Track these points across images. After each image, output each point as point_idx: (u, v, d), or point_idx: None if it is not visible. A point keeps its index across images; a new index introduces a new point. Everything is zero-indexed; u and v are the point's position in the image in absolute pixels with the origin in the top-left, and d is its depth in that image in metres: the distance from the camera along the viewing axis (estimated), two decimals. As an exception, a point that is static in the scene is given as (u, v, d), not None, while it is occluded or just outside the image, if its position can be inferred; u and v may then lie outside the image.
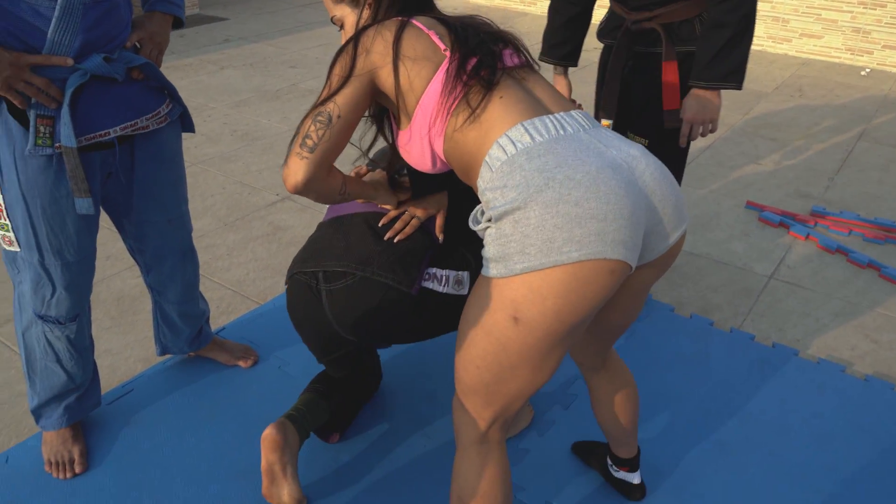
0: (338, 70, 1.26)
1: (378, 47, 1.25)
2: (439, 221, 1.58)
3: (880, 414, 1.95)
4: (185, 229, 1.77)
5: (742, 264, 2.69)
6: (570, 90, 2.17)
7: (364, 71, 1.25)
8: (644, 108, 1.95)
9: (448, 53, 1.25)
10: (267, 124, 3.89)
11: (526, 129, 1.16)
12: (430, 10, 1.39)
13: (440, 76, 1.23)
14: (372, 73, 1.25)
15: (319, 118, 1.23)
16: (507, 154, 1.15)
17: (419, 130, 1.26)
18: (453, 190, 1.59)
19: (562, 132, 1.17)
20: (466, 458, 1.29)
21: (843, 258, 2.74)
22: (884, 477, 1.75)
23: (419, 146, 1.29)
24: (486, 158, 1.17)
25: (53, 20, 1.33)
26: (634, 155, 1.17)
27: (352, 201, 1.62)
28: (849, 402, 1.99)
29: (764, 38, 5.61)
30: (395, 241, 1.52)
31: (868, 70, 5.18)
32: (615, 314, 1.35)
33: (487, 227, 1.16)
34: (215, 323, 2.25)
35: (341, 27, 1.41)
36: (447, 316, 1.57)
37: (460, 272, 1.55)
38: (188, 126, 1.69)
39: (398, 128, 1.34)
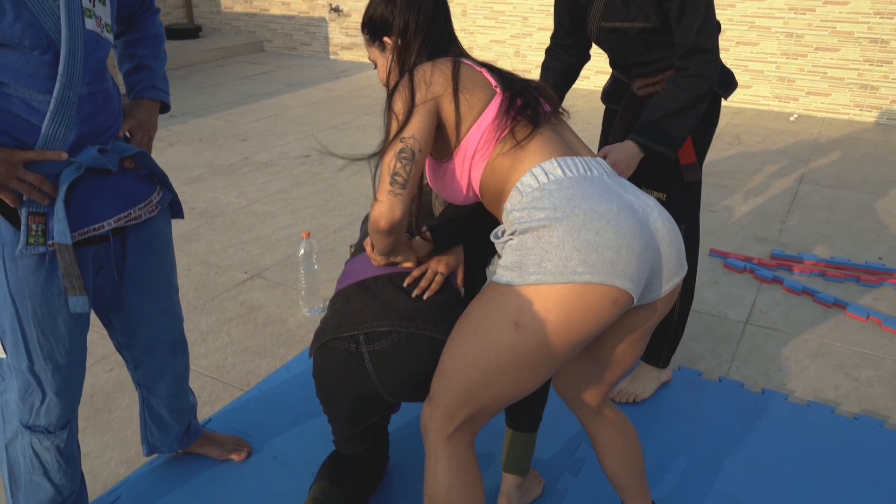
0: (400, 105, 1.35)
1: (438, 79, 1.36)
2: (460, 275, 1.63)
3: (875, 451, 1.99)
4: (176, 319, 1.70)
5: (716, 311, 2.75)
6: None
7: (428, 99, 1.34)
8: (658, 165, 1.96)
9: (499, 90, 1.38)
10: (225, 200, 3.82)
11: (559, 164, 1.29)
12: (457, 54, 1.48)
13: (493, 106, 1.36)
14: (436, 100, 1.35)
15: (403, 154, 1.32)
16: (538, 182, 1.26)
17: (463, 154, 1.37)
18: (468, 245, 1.64)
19: (589, 173, 1.29)
20: (434, 457, 1.32)
21: (809, 299, 2.83)
22: (893, 516, 1.77)
23: (457, 172, 1.40)
24: (518, 184, 1.29)
25: (48, 114, 1.28)
26: (650, 204, 1.30)
27: (364, 265, 1.61)
28: (844, 441, 2.03)
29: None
30: (425, 297, 1.53)
31: (796, 115, 5.48)
32: (612, 351, 1.41)
33: (509, 240, 1.25)
34: (199, 414, 2.15)
35: (375, 66, 1.53)
36: None
37: None
38: (177, 212, 1.64)
39: (435, 160, 1.45)
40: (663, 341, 2.17)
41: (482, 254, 1.75)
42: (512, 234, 1.25)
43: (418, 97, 1.35)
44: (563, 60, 2.09)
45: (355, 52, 7.48)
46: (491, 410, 1.32)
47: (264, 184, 4.04)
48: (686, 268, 1.34)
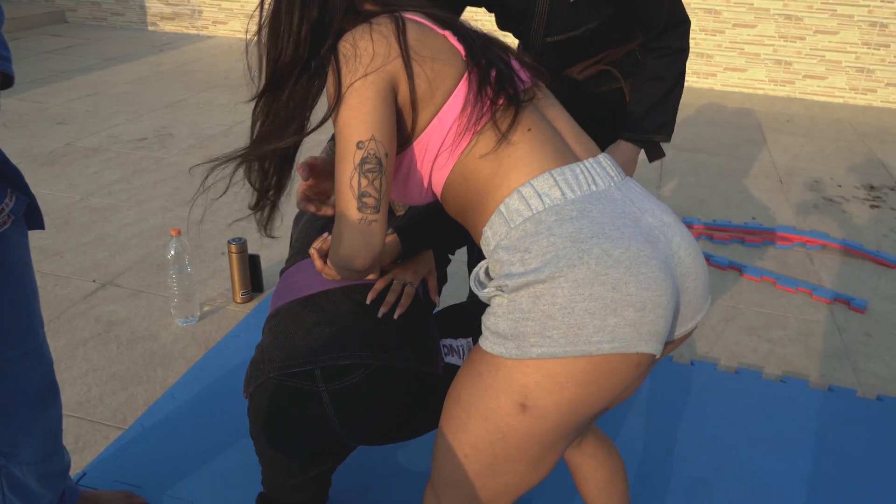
0: (351, 102, 0.98)
1: (381, 55, 0.98)
2: (432, 284, 1.34)
3: (809, 413, 1.99)
4: (44, 361, 1.28)
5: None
6: None
7: (385, 85, 0.98)
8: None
9: (467, 59, 1.02)
10: (50, 195, 3.21)
11: (555, 182, 0.98)
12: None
13: (463, 86, 1.01)
14: (391, 80, 0.99)
15: (368, 166, 0.97)
16: (531, 209, 0.96)
17: (423, 148, 1.03)
18: (439, 247, 1.36)
19: (594, 188, 0.99)
20: None
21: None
22: (842, 474, 1.76)
23: (412, 168, 1.05)
24: (502, 208, 0.98)
25: None
26: (669, 223, 1.01)
27: (311, 277, 1.30)
28: (780, 406, 2.01)
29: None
30: (395, 316, 1.23)
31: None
32: None
33: (496, 296, 0.96)
34: (71, 468, 1.71)
35: None
36: None
37: (467, 339, 1.31)
38: (36, 221, 1.22)
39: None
40: None
41: (446, 253, 1.49)
42: (499, 288, 0.96)
43: (359, 74, 0.97)
44: None
45: (178, 23, 6.75)
46: (504, 500, 1.05)
47: (96, 174, 3.45)
48: (709, 301, 1.08)
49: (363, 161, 0.97)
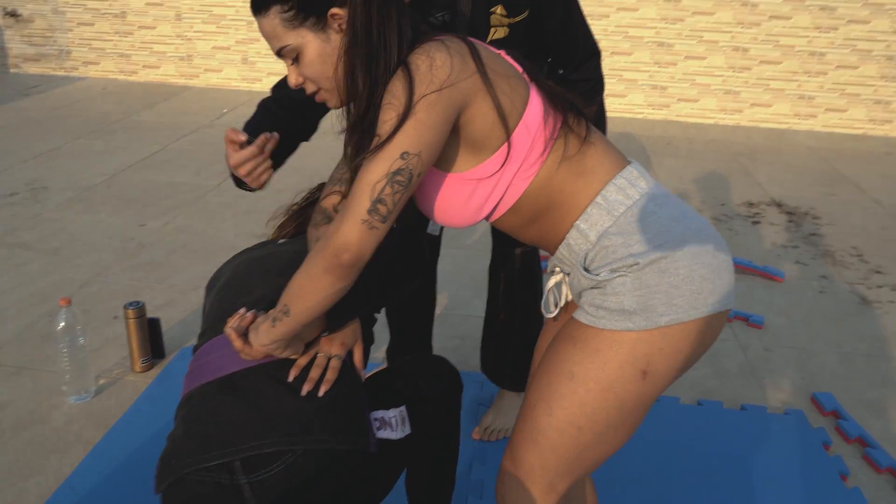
0: (419, 113, 0.99)
1: (457, 64, 1.01)
2: (358, 356, 1.26)
3: (726, 433, 2.05)
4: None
5: (536, 317, 2.70)
6: None
7: (455, 104, 1.00)
8: None
9: (527, 77, 1.11)
10: None
11: (640, 173, 1.12)
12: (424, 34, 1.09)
13: (536, 99, 1.08)
14: (461, 98, 1.01)
15: (399, 178, 0.99)
16: (631, 199, 1.08)
17: (505, 162, 1.07)
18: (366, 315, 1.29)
19: (651, 175, 1.16)
20: None
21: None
22: (765, 491, 1.82)
23: (487, 185, 1.08)
24: (600, 200, 1.09)
25: None
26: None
27: (225, 355, 1.20)
28: (700, 429, 2.07)
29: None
30: (320, 393, 1.14)
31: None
32: None
33: (619, 276, 1.05)
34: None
35: (295, 59, 1.09)
36: (399, 466, 1.25)
37: (399, 408, 1.24)
38: None
39: (443, 171, 1.09)
40: (526, 362, 2.02)
41: (373, 314, 1.42)
42: (623, 268, 1.05)
43: (434, 87, 0.99)
44: (287, 119, 1.55)
45: (44, 65, 6.33)
46: (592, 470, 1.14)
47: (-38, 236, 3.15)
48: None
49: (398, 171, 0.99)
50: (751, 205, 3.93)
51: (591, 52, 1.69)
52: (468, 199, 1.10)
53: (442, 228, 1.42)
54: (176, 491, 1.10)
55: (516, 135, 1.06)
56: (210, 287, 1.45)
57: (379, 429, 1.19)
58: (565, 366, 1.08)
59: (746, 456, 1.97)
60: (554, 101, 1.10)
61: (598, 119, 1.79)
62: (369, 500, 1.23)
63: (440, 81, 0.99)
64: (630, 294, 1.04)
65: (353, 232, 1.00)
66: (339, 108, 1.15)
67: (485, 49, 1.07)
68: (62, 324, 2.01)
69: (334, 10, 1.05)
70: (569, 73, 1.70)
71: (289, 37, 1.07)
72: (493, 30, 1.61)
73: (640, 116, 5.73)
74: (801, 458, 1.96)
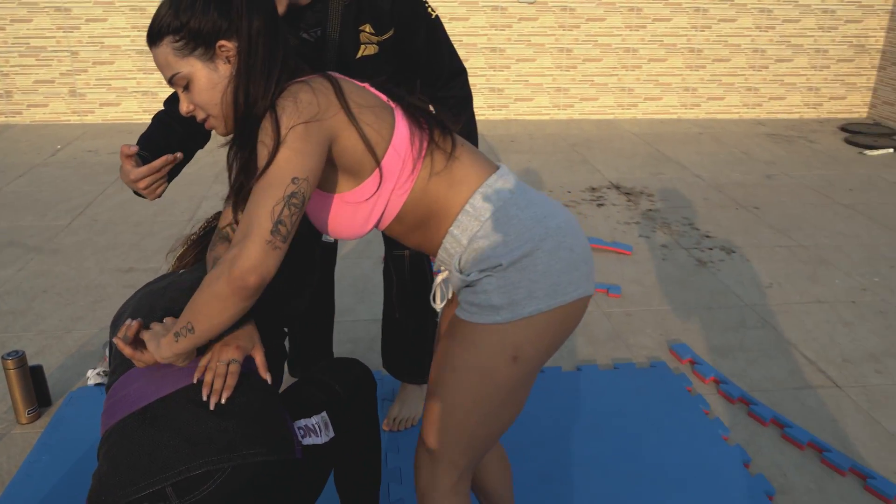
0: (296, 143, 1.09)
1: (323, 101, 1.12)
2: (259, 360, 1.26)
3: (605, 391, 2.30)
4: None
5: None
6: None
7: (324, 137, 1.11)
8: None
9: (391, 102, 1.22)
10: None
11: (505, 180, 1.23)
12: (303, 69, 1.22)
13: (402, 122, 1.19)
14: (329, 131, 1.12)
15: (294, 200, 1.08)
16: (494, 205, 1.19)
17: (380, 183, 1.18)
18: (262, 317, 1.33)
19: (516, 178, 1.27)
20: None
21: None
22: (645, 435, 2.08)
23: (367, 204, 1.20)
24: (469, 208, 1.19)
25: None
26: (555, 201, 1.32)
27: (141, 387, 1.22)
28: (583, 390, 2.30)
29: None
30: (222, 400, 1.17)
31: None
32: None
33: (485, 277, 1.17)
34: None
35: (186, 87, 1.19)
36: (327, 468, 1.33)
37: (320, 415, 1.31)
38: None
39: (329, 192, 1.21)
40: (422, 356, 2.15)
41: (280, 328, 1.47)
42: (489, 269, 1.17)
43: (301, 120, 1.09)
44: (182, 132, 1.61)
45: None
46: (491, 445, 1.28)
47: None
48: None
49: (293, 195, 1.08)
50: (593, 189, 4.32)
51: (456, 71, 1.84)
52: (353, 216, 1.21)
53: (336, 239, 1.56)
54: None
55: (387, 159, 1.17)
56: (114, 325, 1.41)
57: (304, 437, 1.26)
58: (449, 360, 1.23)
59: (626, 407, 2.22)
60: (419, 121, 1.21)
61: (469, 132, 1.94)
62: (303, 501, 1.28)
63: (307, 116, 1.09)
64: (496, 291, 1.17)
65: (258, 254, 1.06)
66: (226, 135, 1.24)
67: (349, 84, 1.18)
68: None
69: (222, 42, 1.15)
70: (437, 91, 1.83)
71: (179, 65, 1.17)
72: (363, 47, 1.72)
73: (482, 118, 6.05)
74: (670, 402, 2.24)
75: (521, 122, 6.01)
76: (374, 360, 2.51)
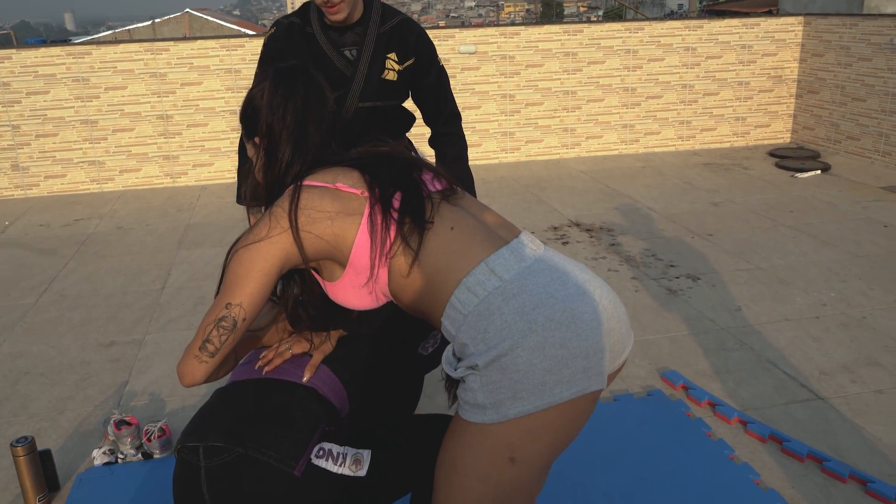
0: (238, 269, 1.21)
1: (276, 233, 1.21)
2: (314, 360, 1.43)
3: (608, 422, 2.40)
4: None
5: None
6: None
7: (272, 266, 1.21)
8: None
9: (367, 195, 1.22)
10: None
11: (492, 270, 1.16)
12: (329, 154, 1.35)
13: (364, 226, 1.20)
14: (282, 261, 1.21)
15: (223, 324, 1.21)
16: (478, 297, 1.14)
17: (354, 281, 1.24)
18: (369, 329, 1.48)
19: (523, 264, 1.18)
20: None
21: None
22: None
23: (357, 293, 1.26)
24: (454, 301, 1.15)
25: None
26: (588, 279, 1.21)
27: (240, 367, 1.45)
28: (588, 424, 2.39)
29: (234, 171, 5.92)
30: (263, 372, 1.38)
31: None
32: None
33: (470, 374, 1.14)
34: None
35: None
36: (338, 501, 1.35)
37: (360, 451, 1.33)
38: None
39: (324, 279, 1.29)
40: None
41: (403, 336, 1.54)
42: (470, 368, 1.14)
43: (260, 263, 1.21)
44: None
45: None
46: None
47: None
48: (632, 337, 1.28)
49: (223, 318, 1.21)
50: (555, 228, 4.47)
51: (457, 113, 2.20)
52: (356, 296, 1.28)
53: (434, 347, 1.57)
54: (177, 462, 1.31)
55: (353, 258, 1.21)
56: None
57: (319, 457, 1.28)
58: (449, 457, 1.20)
59: (633, 436, 2.32)
60: (387, 221, 1.19)
61: (465, 176, 2.14)
62: None
63: (252, 239, 1.22)
64: (479, 391, 1.12)
65: (187, 363, 1.23)
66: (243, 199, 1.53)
67: (309, 197, 1.22)
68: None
69: (255, 139, 1.37)
70: (440, 127, 2.16)
71: (248, 145, 1.41)
72: (386, 71, 2.04)
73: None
74: (673, 428, 2.35)
75: (472, 167, 6.16)
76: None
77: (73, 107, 5.57)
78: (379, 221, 1.19)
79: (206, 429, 1.29)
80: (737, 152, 6.43)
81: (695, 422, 2.37)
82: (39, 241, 4.54)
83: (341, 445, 1.32)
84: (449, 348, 1.21)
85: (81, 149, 5.66)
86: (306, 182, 1.25)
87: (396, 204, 1.22)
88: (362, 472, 1.32)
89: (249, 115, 1.36)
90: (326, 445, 1.31)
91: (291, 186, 1.26)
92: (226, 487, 1.25)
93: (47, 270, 4.01)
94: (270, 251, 1.20)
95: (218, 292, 1.25)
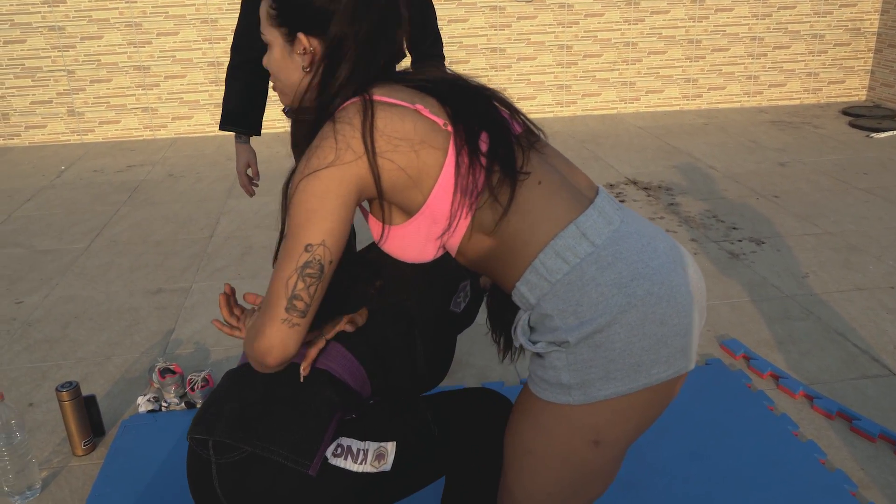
0: (309, 202, 0.99)
1: (348, 158, 0.99)
2: (311, 352, 1.18)
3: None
4: None
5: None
6: (256, 159, 2.27)
7: (345, 189, 1.00)
8: None
9: (451, 129, 1.03)
10: None
11: (584, 234, 1.02)
12: (392, 68, 1.13)
13: (449, 166, 1.02)
14: (359, 189, 1.02)
15: (309, 271, 0.99)
16: (569, 264, 1.01)
17: (426, 230, 1.06)
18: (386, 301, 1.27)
19: (612, 226, 1.05)
20: None
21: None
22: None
23: (423, 245, 1.08)
24: (538, 265, 1.02)
25: None
26: (672, 244, 1.10)
27: None
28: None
29: (284, 120, 5.86)
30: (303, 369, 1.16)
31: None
32: None
33: (554, 350, 1.03)
34: None
35: (266, 48, 1.14)
36: (361, 495, 1.20)
37: (383, 444, 1.18)
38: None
39: (382, 221, 1.09)
40: None
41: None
42: (557, 343, 1.01)
43: (324, 163, 0.99)
44: (257, 82, 2.13)
45: None
46: None
47: None
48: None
49: (306, 265, 0.99)
50: (611, 186, 4.30)
51: (439, 34, 2.17)
52: (420, 247, 1.10)
53: (465, 302, 1.36)
54: (188, 448, 1.21)
55: (432, 198, 1.03)
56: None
57: (337, 455, 1.15)
58: (522, 440, 1.10)
59: (690, 408, 2.20)
60: (475, 165, 1.01)
61: None
62: None
63: (324, 163, 0.99)
64: (566, 369, 1.02)
65: (274, 333, 1.00)
66: (288, 106, 1.20)
67: (388, 116, 1.01)
68: (-4, 421, 1.84)
69: (300, 36, 1.08)
70: (427, 48, 2.11)
71: (266, 30, 1.12)
72: None
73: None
74: (733, 400, 2.22)
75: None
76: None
77: (125, 52, 5.56)
78: (465, 164, 1.01)
79: (214, 419, 1.17)
80: (807, 110, 6.09)
81: (756, 394, 2.24)
82: (93, 187, 4.58)
83: (362, 439, 1.17)
84: (523, 317, 1.07)
85: (135, 95, 5.67)
86: (378, 97, 1.03)
87: (483, 147, 1.03)
88: (387, 467, 1.18)
89: (311, 12, 1.07)
90: (345, 441, 1.16)
91: (357, 99, 1.03)
92: (237, 486, 1.14)
93: (99, 216, 4.04)
94: (345, 177, 0.99)
95: (283, 236, 1.03)
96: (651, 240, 1.07)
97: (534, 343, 1.05)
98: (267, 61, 1.14)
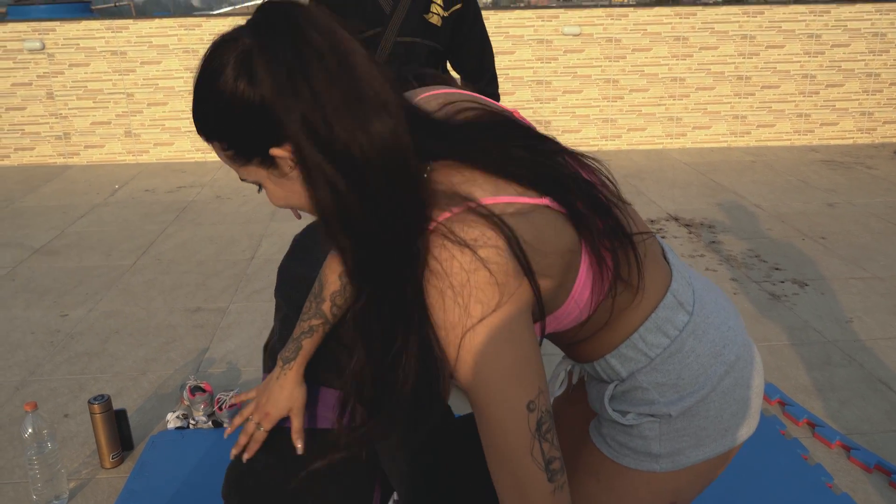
0: (502, 357, 0.79)
1: (513, 288, 0.79)
2: (296, 425, 1.14)
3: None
4: None
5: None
6: None
7: (528, 323, 0.82)
8: None
9: (548, 201, 0.84)
10: None
11: (680, 302, 0.97)
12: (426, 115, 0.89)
13: (585, 262, 0.87)
14: (528, 315, 0.84)
15: (545, 426, 0.82)
16: (669, 338, 0.96)
17: (558, 322, 0.93)
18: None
19: (690, 287, 1.00)
20: None
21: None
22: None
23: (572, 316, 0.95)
24: (636, 339, 0.95)
25: None
26: (724, 295, 1.09)
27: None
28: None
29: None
30: (244, 458, 1.16)
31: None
32: None
33: (647, 421, 0.99)
34: None
35: (260, 188, 0.89)
36: None
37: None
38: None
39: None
40: None
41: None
42: (653, 416, 0.98)
43: (492, 305, 0.78)
44: None
45: None
46: None
47: None
48: None
49: (539, 424, 0.81)
50: (652, 222, 4.25)
51: (495, 76, 2.21)
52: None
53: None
54: None
55: (562, 309, 0.91)
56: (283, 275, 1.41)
57: None
58: (590, 501, 1.07)
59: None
60: (602, 253, 0.88)
61: None
62: None
63: (482, 312, 0.78)
64: (657, 439, 1.00)
65: None
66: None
67: (528, 227, 0.81)
68: (29, 430, 1.90)
69: (274, 151, 0.80)
70: (485, 87, 2.14)
71: (242, 172, 0.87)
72: (431, 14, 2.04)
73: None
74: (766, 447, 2.15)
75: (569, 153, 5.97)
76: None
77: (182, 77, 5.76)
78: (595, 255, 0.87)
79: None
80: (860, 150, 5.94)
81: (790, 442, 2.17)
82: (143, 206, 4.72)
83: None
84: (606, 389, 1.01)
85: (188, 118, 5.86)
86: (485, 200, 0.81)
87: (600, 225, 0.88)
88: None
89: (257, 123, 0.81)
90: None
91: (464, 207, 0.80)
92: None
93: (148, 234, 4.17)
94: (521, 308, 0.81)
95: (477, 406, 0.82)
96: (715, 294, 1.06)
97: (623, 414, 1.00)
98: (271, 199, 0.89)
